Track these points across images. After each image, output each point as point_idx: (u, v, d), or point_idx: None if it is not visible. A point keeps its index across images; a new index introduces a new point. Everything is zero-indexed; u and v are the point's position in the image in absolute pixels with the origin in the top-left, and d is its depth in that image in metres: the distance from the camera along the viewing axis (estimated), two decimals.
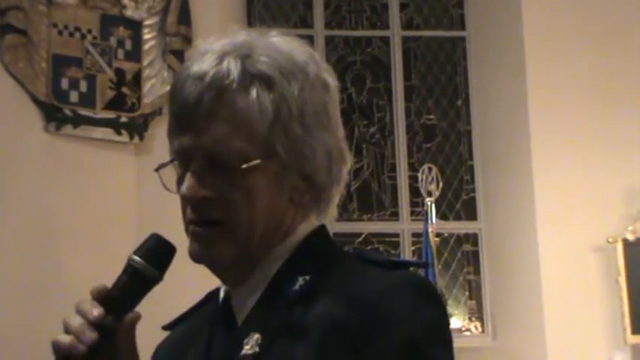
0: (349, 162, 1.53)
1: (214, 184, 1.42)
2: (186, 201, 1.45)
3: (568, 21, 6.67)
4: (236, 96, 1.42)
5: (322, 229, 1.52)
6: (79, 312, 1.37)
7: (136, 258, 1.41)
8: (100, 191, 5.85)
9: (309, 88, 1.45)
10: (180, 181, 1.46)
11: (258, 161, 1.42)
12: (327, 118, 1.48)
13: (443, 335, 1.41)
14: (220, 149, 1.41)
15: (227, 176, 1.42)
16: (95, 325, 1.35)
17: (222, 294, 1.52)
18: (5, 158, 5.64)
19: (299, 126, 1.44)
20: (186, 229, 1.47)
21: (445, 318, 1.44)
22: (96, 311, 1.36)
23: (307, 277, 1.43)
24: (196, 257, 1.45)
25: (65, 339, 1.36)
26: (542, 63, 6.62)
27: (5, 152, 5.65)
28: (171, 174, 1.48)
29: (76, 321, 1.36)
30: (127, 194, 5.91)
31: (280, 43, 1.48)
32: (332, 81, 1.51)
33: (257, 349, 1.39)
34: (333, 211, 1.53)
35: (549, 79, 6.58)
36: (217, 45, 1.45)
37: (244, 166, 1.41)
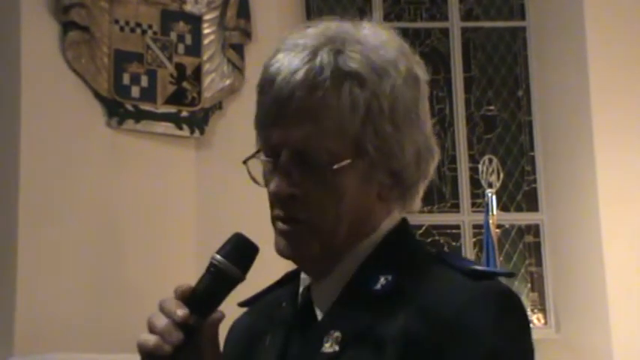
0: (437, 157, 1.52)
1: (303, 183, 1.42)
2: (273, 197, 1.44)
3: (630, 8, 6.58)
4: (328, 94, 1.40)
5: (404, 223, 1.51)
6: (164, 311, 1.37)
7: (219, 257, 1.42)
8: (161, 185, 5.91)
9: (401, 84, 1.44)
10: (267, 176, 1.45)
11: (348, 161, 1.41)
12: (417, 115, 1.47)
13: (526, 349, 1.40)
14: (311, 147, 1.40)
15: (316, 175, 1.41)
16: (180, 325, 1.36)
17: (302, 285, 1.51)
18: (68, 153, 5.72)
19: (389, 124, 1.42)
20: (274, 224, 1.46)
21: (528, 331, 1.42)
22: (181, 311, 1.36)
23: (389, 277, 1.42)
24: (282, 253, 1.45)
25: (151, 339, 1.36)
26: (604, 52, 6.54)
27: (68, 147, 5.73)
28: (256, 165, 1.47)
29: (162, 321, 1.36)
30: (188, 188, 5.95)
31: (372, 37, 1.46)
32: (422, 74, 1.50)
33: (337, 347, 1.39)
34: (417, 204, 1.52)
35: (611, 67, 6.50)
36: (309, 38, 1.44)
37: (335, 166, 1.40)
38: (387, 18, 7.15)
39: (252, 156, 1.47)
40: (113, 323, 5.27)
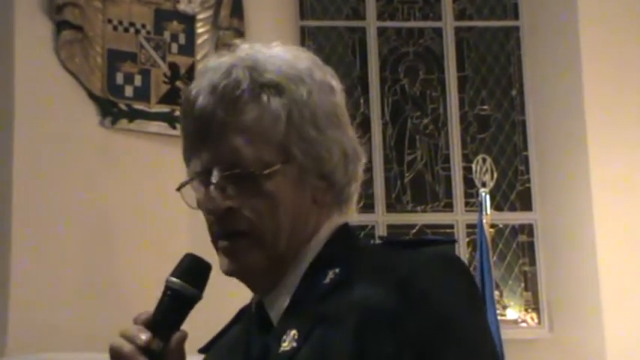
0: (363, 159, 1.55)
1: (237, 195, 1.44)
2: (210, 214, 1.47)
3: (624, 8, 6.59)
4: (248, 105, 1.44)
5: (345, 225, 1.54)
6: (127, 338, 1.39)
7: (174, 279, 1.43)
8: (154, 184, 5.90)
9: (317, 90, 1.48)
10: (202, 198, 1.48)
11: (277, 166, 1.44)
12: (338, 119, 1.51)
13: (475, 305, 1.44)
14: (239, 159, 1.44)
15: (248, 185, 1.44)
16: (144, 350, 1.37)
17: (253, 302, 1.53)
18: (62, 153, 5.71)
19: (312, 128, 1.46)
20: (214, 244, 1.49)
21: (476, 289, 1.46)
22: (144, 336, 1.38)
23: (337, 270, 1.45)
24: (227, 271, 1.47)
25: None
26: (597, 52, 6.55)
27: (62, 147, 5.72)
28: (191, 192, 1.50)
29: (126, 347, 1.38)
30: None
31: (283, 52, 1.51)
32: (336, 84, 1.53)
33: (295, 344, 1.40)
34: (353, 208, 1.55)
35: (605, 67, 6.51)
36: (223, 60, 1.48)
37: (265, 172, 1.43)
38: (380, 17, 7.16)
39: (186, 183, 1.50)
40: (106, 323, 5.24)
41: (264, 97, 1.45)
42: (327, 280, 1.44)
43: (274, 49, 1.51)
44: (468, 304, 1.41)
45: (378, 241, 1.56)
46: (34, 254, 5.51)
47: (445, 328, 1.36)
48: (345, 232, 1.53)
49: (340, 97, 1.53)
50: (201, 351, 1.64)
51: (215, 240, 1.48)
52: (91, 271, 5.60)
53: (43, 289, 5.46)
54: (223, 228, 1.46)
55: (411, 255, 1.42)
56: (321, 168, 1.48)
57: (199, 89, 1.46)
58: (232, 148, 1.44)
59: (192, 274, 1.44)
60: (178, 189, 1.50)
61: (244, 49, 1.50)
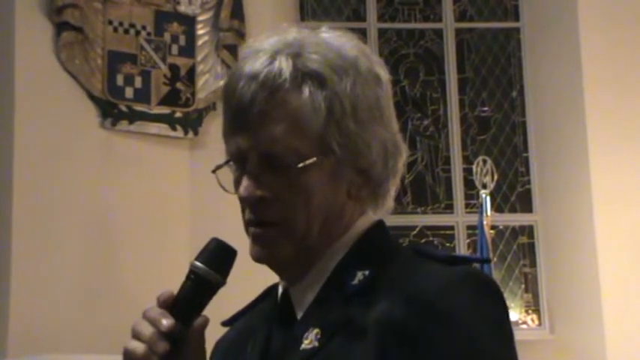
0: (404, 154, 1.52)
1: (271, 184, 1.43)
2: (244, 202, 1.46)
3: (624, 9, 6.59)
4: (289, 95, 1.42)
5: (380, 223, 1.52)
6: (149, 320, 1.38)
7: (198, 264, 1.41)
8: (155, 186, 5.90)
9: (361, 83, 1.46)
10: (237, 182, 1.46)
11: (314, 159, 1.42)
12: (380, 112, 1.48)
13: (504, 333, 1.40)
14: (276, 149, 1.42)
15: (283, 175, 1.42)
16: (165, 334, 1.36)
17: (280, 289, 1.52)
18: (62, 154, 5.71)
19: (353, 122, 1.44)
20: (246, 230, 1.48)
21: (506, 315, 1.42)
22: (166, 321, 1.36)
23: (366, 272, 1.43)
24: (257, 258, 1.46)
25: (138, 348, 1.36)
26: (597, 53, 6.55)
27: (62, 148, 5.72)
28: (227, 174, 1.49)
29: (148, 330, 1.37)
30: (182, 189, 5.95)
31: (330, 39, 1.48)
32: (384, 74, 1.51)
33: (316, 343, 1.40)
34: (389, 203, 1.53)
35: (605, 68, 6.51)
36: (268, 44, 1.46)
37: (300, 165, 1.41)
38: (380, 19, 7.16)
39: (222, 165, 1.49)
40: (106, 324, 5.26)
41: (306, 88, 1.42)
42: (356, 281, 1.43)
43: (322, 34, 1.49)
44: (496, 331, 1.37)
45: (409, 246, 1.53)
46: (35, 255, 5.51)
47: (469, 354, 1.33)
48: (379, 230, 1.51)
49: (386, 88, 1.50)
50: (224, 324, 1.64)
51: (247, 226, 1.47)
52: (91, 272, 5.60)
53: (44, 291, 5.46)
54: (256, 216, 1.45)
55: (443, 272, 1.39)
56: (360, 163, 1.45)
57: (241, 74, 1.44)
58: (270, 138, 1.42)
59: (217, 259, 1.42)
60: (214, 171, 1.49)
61: (292, 32, 1.48)
